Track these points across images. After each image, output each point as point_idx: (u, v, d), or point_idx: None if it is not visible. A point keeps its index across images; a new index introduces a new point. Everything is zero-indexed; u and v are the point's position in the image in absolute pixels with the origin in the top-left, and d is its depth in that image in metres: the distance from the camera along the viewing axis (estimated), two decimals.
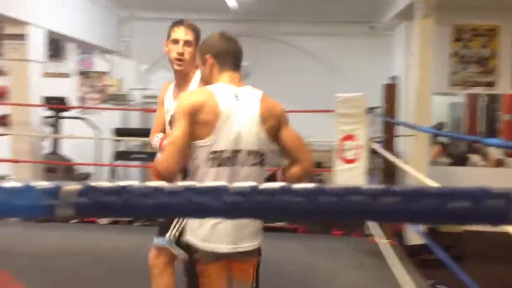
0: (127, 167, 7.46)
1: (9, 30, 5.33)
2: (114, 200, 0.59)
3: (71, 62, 7.95)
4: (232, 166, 1.95)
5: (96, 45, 7.21)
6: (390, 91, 5.18)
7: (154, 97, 7.90)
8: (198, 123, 1.91)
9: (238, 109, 1.95)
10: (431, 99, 5.34)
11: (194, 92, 2.14)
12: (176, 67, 2.46)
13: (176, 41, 2.46)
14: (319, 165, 6.23)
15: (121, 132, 6.89)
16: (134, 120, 7.89)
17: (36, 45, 5.43)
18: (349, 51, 7.68)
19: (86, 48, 7.83)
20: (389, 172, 5.15)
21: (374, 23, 7.44)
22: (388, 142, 5.19)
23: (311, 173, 2.18)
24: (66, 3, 6.12)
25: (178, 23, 2.54)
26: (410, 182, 5.22)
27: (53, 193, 0.60)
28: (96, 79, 7.93)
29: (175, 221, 2.18)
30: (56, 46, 7.52)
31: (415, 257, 4.49)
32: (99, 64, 7.99)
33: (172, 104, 2.40)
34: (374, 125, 5.30)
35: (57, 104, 6.57)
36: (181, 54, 2.43)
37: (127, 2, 7.39)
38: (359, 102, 4.56)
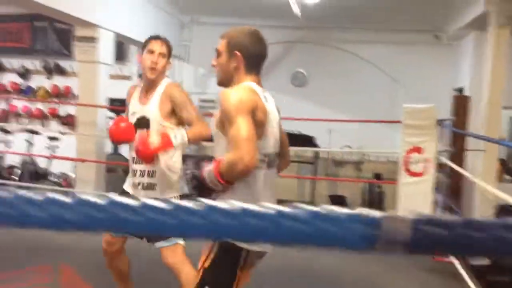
0: None
1: (80, 32, 5.48)
2: (449, 234, 0.52)
3: (133, 64, 8.12)
4: (273, 168, 1.98)
5: None
6: (461, 103, 4.99)
7: (211, 101, 7.96)
8: (255, 122, 1.83)
9: (271, 112, 1.96)
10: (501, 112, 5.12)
11: (247, 88, 1.92)
12: (149, 75, 2.62)
13: (151, 52, 2.64)
14: (378, 176, 6.07)
15: None
16: None
17: (105, 48, 5.56)
18: (412, 61, 7.48)
19: None
20: (456, 187, 4.95)
21: (439, 32, 7.22)
22: (458, 156, 4.99)
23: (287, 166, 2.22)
24: (133, 7, 6.25)
25: (155, 37, 2.71)
26: (479, 198, 5.00)
27: (376, 223, 0.53)
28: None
29: None
30: (120, 48, 7.70)
31: (482, 277, 4.28)
32: None
33: (138, 106, 2.65)
34: (441, 138, 5.12)
35: (119, 106, 6.71)
36: (155, 63, 2.61)
37: (190, 7, 7.49)
38: (429, 114, 4.41)
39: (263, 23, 7.62)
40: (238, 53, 1.99)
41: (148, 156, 2.49)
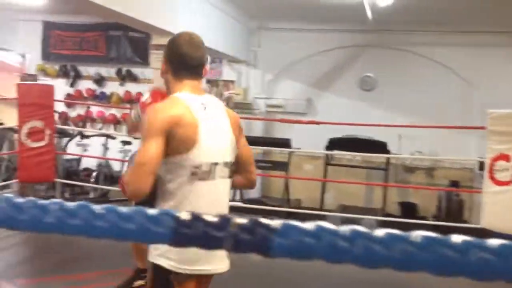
0: None
1: (156, 40, 5.66)
2: None
3: None
4: (213, 180, 1.85)
5: (227, 54, 7.45)
6: None
7: (279, 106, 7.99)
8: (176, 139, 1.78)
9: (210, 120, 1.86)
10: None
11: (168, 105, 1.87)
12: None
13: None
14: (456, 184, 5.84)
15: (247, 140, 7.02)
16: (258, 129, 8.02)
17: None
18: (488, 63, 7.17)
19: (216, 57, 8.13)
20: None
21: None
22: None
23: (253, 186, 2.14)
24: (204, 14, 6.39)
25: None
26: None
27: None
28: (223, 87, 8.19)
29: None
30: None
31: None
32: (227, 73, 8.26)
33: None
34: None
35: None
36: None
37: (258, 13, 7.56)
38: None
39: (331, 27, 7.59)
40: (165, 59, 1.96)
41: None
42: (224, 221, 0.59)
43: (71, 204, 0.60)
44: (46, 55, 8.78)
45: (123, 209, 0.61)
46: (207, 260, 1.88)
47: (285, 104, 7.93)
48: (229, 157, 1.90)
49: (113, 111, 8.57)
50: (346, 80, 7.79)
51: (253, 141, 7.07)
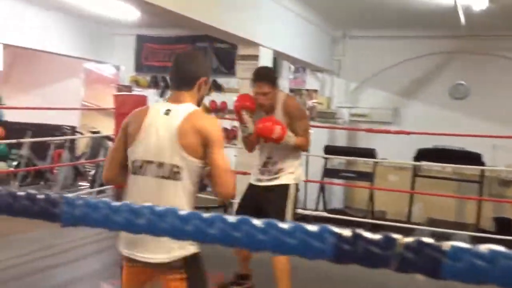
0: (331, 185, 7.50)
1: (242, 51, 5.78)
2: None
3: (284, 80, 8.35)
4: (143, 175, 2.00)
5: (310, 63, 7.44)
6: None
7: (363, 115, 7.84)
8: (128, 134, 2.09)
9: (161, 123, 2.01)
10: None
11: (137, 110, 2.20)
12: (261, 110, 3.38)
13: (256, 93, 3.32)
14: None
15: (330, 150, 6.96)
16: (341, 138, 7.92)
17: (265, 65, 5.78)
18: None
19: (299, 67, 8.15)
20: None
21: None
22: None
23: (225, 200, 2.27)
24: (289, 24, 6.44)
25: (257, 78, 3.35)
26: None
27: None
28: (306, 96, 8.18)
29: None
30: (274, 64, 7.97)
31: None
32: (310, 82, 8.24)
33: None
34: None
35: None
36: (261, 103, 3.32)
37: (342, 21, 7.48)
38: None
39: (420, 33, 7.34)
40: None
41: (267, 135, 3.21)
42: (389, 240, 0.58)
43: (231, 218, 0.63)
44: (139, 67, 9.26)
45: (283, 224, 0.62)
46: (143, 247, 1.98)
47: (370, 113, 7.76)
48: (168, 159, 1.98)
49: None
50: (435, 88, 7.48)
51: (336, 150, 7.04)
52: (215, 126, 2.07)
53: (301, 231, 0.61)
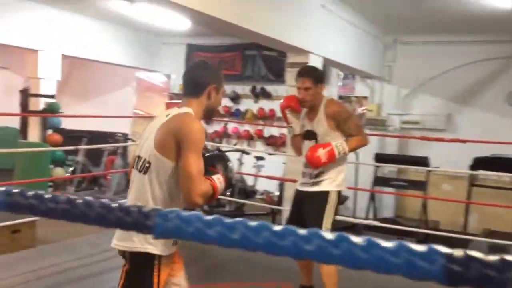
0: (382, 193, 7.36)
1: (292, 59, 5.78)
2: None
3: (333, 87, 8.28)
4: (139, 171, 2.06)
5: (360, 70, 7.35)
6: None
7: (414, 122, 7.65)
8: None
9: (154, 123, 2.10)
10: None
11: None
12: (303, 107, 3.43)
13: (298, 88, 3.38)
14: None
15: (380, 158, 6.82)
16: (392, 146, 7.75)
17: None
18: None
19: (348, 73, 8.07)
20: None
21: None
22: None
23: (189, 204, 2.06)
24: (339, 31, 6.39)
25: (299, 73, 3.42)
26: None
27: None
28: (356, 103, 8.08)
29: None
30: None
31: None
32: (359, 89, 8.14)
33: (307, 122, 3.44)
34: None
35: None
36: (302, 99, 3.37)
37: (393, 27, 7.36)
38: None
39: (475, 38, 7.11)
40: None
41: (315, 166, 3.27)
42: (507, 262, 0.55)
43: (330, 236, 0.62)
44: None
45: (386, 243, 0.61)
46: (116, 233, 2.12)
47: (422, 120, 7.57)
48: (143, 154, 2.07)
49: (247, 127, 8.91)
50: (491, 95, 7.21)
51: (386, 158, 6.89)
52: (193, 129, 1.99)
53: (406, 251, 0.59)
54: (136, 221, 0.72)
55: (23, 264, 4.01)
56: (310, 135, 3.38)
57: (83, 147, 6.63)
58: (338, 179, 3.36)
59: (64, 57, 7.92)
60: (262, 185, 7.80)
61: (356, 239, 0.60)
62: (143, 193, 2.04)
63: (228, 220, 0.69)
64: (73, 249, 4.52)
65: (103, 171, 7.68)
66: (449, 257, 0.57)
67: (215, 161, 2.21)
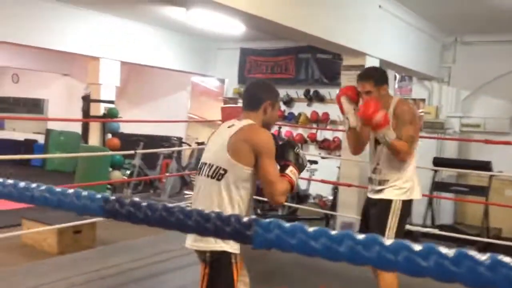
0: (440, 199, 7.11)
1: (347, 61, 5.70)
2: None
3: (390, 89, 8.07)
4: (200, 175, 2.34)
5: (417, 71, 7.14)
6: None
7: (476, 125, 7.35)
8: None
9: (222, 133, 2.37)
10: None
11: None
12: None
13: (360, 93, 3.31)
14: None
15: (439, 162, 6.59)
16: (450, 150, 7.48)
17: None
18: None
19: (405, 75, 7.86)
20: None
21: None
22: None
23: (274, 204, 2.41)
24: (396, 32, 6.24)
25: (358, 78, 3.34)
26: None
27: None
28: (413, 106, 7.84)
29: None
30: None
31: None
32: (417, 91, 7.91)
33: None
34: None
35: None
36: None
37: (453, 26, 7.10)
38: None
39: None
40: None
41: (368, 118, 3.03)
42: None
43: (416, 247, 0.60)
44: (242, 79, 9.50)
45: (446, 250, 0.58)
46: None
47: (483, 123, 7.25)
48: (215, 162, 2.30)
49: (300, 130, 8.86)
50: None
51: (445, 162, 6.65)
52: (265, 138, 2.30)
53: (469, 259, 0.55)
54: (235, 230, 0.72)
55: (85, 264, 4.15)
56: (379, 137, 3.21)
57: (140, 151, 6.81)
58: (404, 187, 3.19)
59: (123, 63, 8.18)
60: (315, 189, 7.72)
61: (416, 246, 0.57)
62: (217, 197, 2.27)
63: (333, 232, 0.68)
64: (132, 249, 4.63)
65: (158, 174, 7.86)
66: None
67: (285, 152, 2.45)
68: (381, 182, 3.24)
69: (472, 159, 7.03)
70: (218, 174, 2.26)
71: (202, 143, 8.15)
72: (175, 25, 8.04)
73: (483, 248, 5.52)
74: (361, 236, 0.64)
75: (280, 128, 8.84)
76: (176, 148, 7.84)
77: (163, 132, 9.15)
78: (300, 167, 2.45)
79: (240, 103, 8.76)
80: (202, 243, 2.24)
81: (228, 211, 2.25)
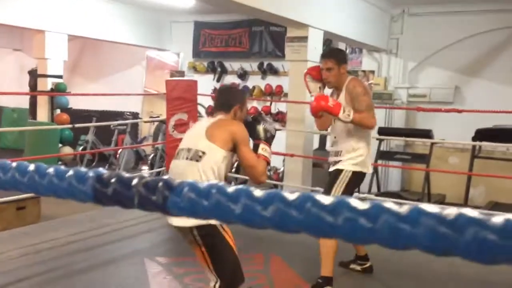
0: (387, 167, 7.33)
1: (291, 33, 5.75)
2: None
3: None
4: (177, 159, 2.58)
5: (366, 43, 7.25)
6: None
7: (422, 96, 7.55)
8: None
9: (199, 124, 2.74)
10: None
11: None
12: (328, 87, 3.59)
13: (322, 69, 3.52)
14: None
15: (384, 132, 6.78)
16: (398, 120, 7.68)
17: (314, 46, 5.72)
18: None
19: (354, 47, 7.97)
20: None
21: None
22: None
23: (257, 184, 2.61)
24: (341, 4, 6.30)
25: (321, 55, 3.63)
26: None
27: None
28: (363, 77, 7.99)
29: None
30: (327, 46, 7.85)
31: None
32: (367, 63, 8.04)
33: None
34: None
35: None
36: (326, 79, 3.50)
37: None
38: None
39: (483, 8, 6.92)
40: None
41: (317, 109, 3.29)
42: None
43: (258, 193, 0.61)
44: (197, 53, 9.45)
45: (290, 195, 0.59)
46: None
47: (429, 93, 7.46)
48: (194, 146, 2.54)
49: (255, 103, 8.91)
50: (500, 66, 7.05)
51: (391, 132, 6.84)
52: (239, 127, 2.58)
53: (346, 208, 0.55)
54: (143, 197, 0.64)
55: (24, 238, 4.17)
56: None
57: (90, 124, 6.75)
58: (356, 160, 3.39)
59: (72, 37, 8.02)
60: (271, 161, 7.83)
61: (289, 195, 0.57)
62: (193, 177, 2.44)
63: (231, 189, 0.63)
64: (73, 224, 4.67)
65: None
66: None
67: (253, 131, 2.71)
68: (337, 153, 3.46)
69: (415, 128, 7.25)
70: (197, 156, 2.50)
71: (157, 117, 8.13)
72: None
73: None
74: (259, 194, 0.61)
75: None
76: (126, 121, 7.77)
77: (118, 108, 9.06)
78: (268, 140, 2.72)
79: (194, 77, 8.75)
80: (183, 222, 2.39)
81: None
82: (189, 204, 0.58)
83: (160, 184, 0.63)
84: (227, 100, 2.75)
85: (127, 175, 0.66)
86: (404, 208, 0.50)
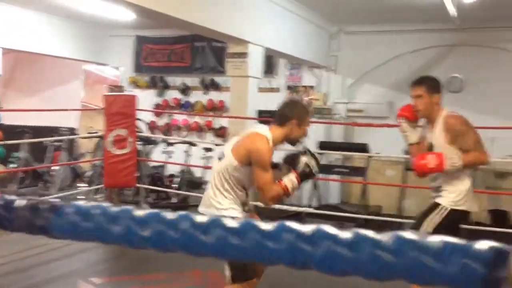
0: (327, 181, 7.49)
1: (232, 49, 5.81)
2: None
3: (281, 77, 8.35)
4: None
5: (306, 60, 7.43)
6: None
7: (359, 110, 7.80)
8: None
9: (237, 137, 2.80)
10: None
11: None
12: (419, 116, 3.30)
13: (412, 97, 3.27)
14: None
15: (324, 146, 6.93)
16: (337, 134, 7.89)
17: (255, 62, 5.80)
18: None
19: (295, 64, 8.14)
20: None
21: None
22: None
23: (263, 204, 2.76)
24: (282, 21, 6.44)
25: (411, 83, 3.31)
26: None
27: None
28: (303, 93, 8.17)
29: None
30: (268, 62, 7.97)
31: None
32: (307, 78, 8.22)
33: (429, 134, 3.25)
34: None
35: (268, 117, 6.92)
36: (416, 107, 3.23)
37: (337, 17, 7.45)
38: None
39: (414, 28, 7.29)
40: None
41: (421, 172, 3.15)
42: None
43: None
44: (138, 68, 9.33)
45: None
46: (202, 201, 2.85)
47: (366, 108, 7.72)
48: (225, 153, 2.69)
49: (197, 119, 8.89)
50: None
51: (330, 146, 7.00)
52: (261, 149, 2.60)
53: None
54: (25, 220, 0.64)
55: None
56: (431, 147, 3.21)
57: (22, 141, 6.48)
58: (456, 196, 3.10)
59: (6, 51, 7.71)
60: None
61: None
62: (216, 176, 2.66)
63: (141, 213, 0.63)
64: (3, 245, 4.45)
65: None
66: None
67: (295, 160, 2.72)
68: (436, 190, 3.22)
69: (353, 142, 7.46)
70: (222, 158, 2.68)
71: (95, 133, 7.91)
72: (65, 11, 7.71)
73: (362, 224, 5.91)
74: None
75: (171, 116, 8.74)
76: (61, 137, 7.52)
77: (54, 124, 8.76)
78: (303, 176, 2.73)
79: (127, 92, 8.62)
80: (209, 209, 2.61)
81: (218, 189, 2.66)
82: (71, 226, 0.58)
83: (44, 206, 0.62)
84: (284, 112, 2.75)
85: (10, 197, 0.64)
86: (269, 225, 0.52)
